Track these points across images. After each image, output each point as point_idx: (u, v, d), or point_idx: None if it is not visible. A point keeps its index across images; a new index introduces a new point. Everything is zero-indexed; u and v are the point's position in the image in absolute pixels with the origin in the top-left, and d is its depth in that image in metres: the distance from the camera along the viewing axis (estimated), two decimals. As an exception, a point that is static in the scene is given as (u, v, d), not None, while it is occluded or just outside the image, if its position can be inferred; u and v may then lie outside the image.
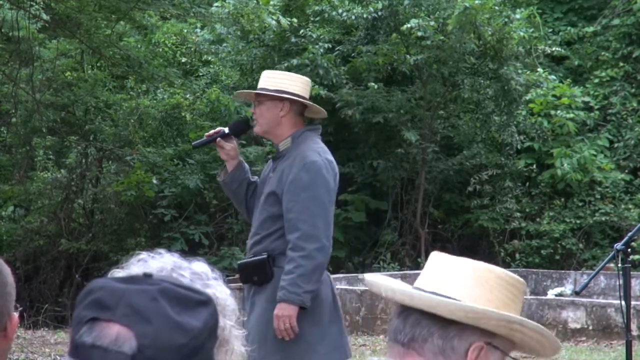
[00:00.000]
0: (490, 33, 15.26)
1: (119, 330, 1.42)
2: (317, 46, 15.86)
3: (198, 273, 1.66)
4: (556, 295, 12.88)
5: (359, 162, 16.58)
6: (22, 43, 12.96)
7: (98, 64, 17.04)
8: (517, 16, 15.53)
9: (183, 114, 15.13)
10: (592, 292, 13.39)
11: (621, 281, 5.05)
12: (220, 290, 1.67)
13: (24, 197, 16.06)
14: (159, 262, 1.65)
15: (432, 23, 15.30)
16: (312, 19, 16.43)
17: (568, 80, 16.69)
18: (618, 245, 5.09)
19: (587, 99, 16.66)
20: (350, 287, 12.20)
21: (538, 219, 16.18)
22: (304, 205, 4.90)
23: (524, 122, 16.50)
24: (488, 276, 1.93)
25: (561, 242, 15.78)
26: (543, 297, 12.11)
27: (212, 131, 5.04)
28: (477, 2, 14.73)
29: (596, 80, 17.11)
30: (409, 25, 15.11)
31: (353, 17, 15.74)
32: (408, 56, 15.58)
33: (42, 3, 11.92)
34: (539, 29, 16.70)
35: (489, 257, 15.72)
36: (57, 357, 9.01)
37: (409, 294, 1.89)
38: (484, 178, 16.25)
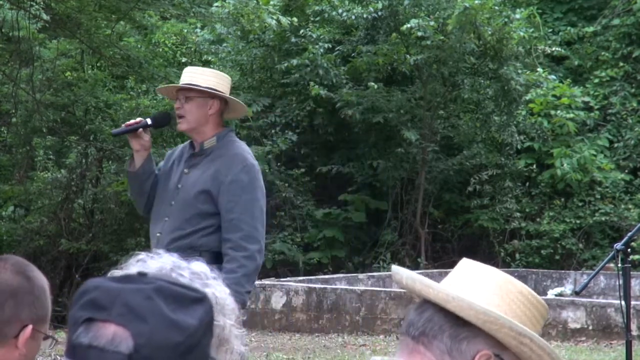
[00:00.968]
0: (490, 33, 15.26)
1: (115, 330, 1.43)
2: (317, 46, 15.86)
3: (197, 273, 1.67)
4: (556, 295, 12.88)
5: (359, 162, 16.59)
6: (22, 43, 12.97)
7: (98, 64, 17.04)
8: (517, 16, 15.52)
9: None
10: (592, 292, 13.39)
11: (621, 281, 5.05)
12: (219, 290, 1.67)
13: (24, 197, 16.06)
14: (157, 262, 1.65)
15: (432, 23, 15.30)
16: (312, 19, 16.44)
17: (568, 80, 16.69)
18: (618, 245, 5.09)
19: (587, 99, 16.66)
20: (350, 287, 12.20)
21: (538, 219, 16.18)
22: (245, 206, 4.94)
23: (524, 122, 16.50)
24: (510, 289, 1.91)
25: (561, 242, 15.78)
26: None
27: (132, 121, 4.96)
28: (477, 2, 14.73)
29: (596, 80, 17.11)
30: (409, 25, 15.11)
31: (353, 17, 15.75)
32: (408, 56, 15.58)
33: (42, 3, 11.92)
34: (539, 29, 16.70)
35: (489, 257, 15.72)
36: (57, 357, 9.01)
37: (427, 284, 1.88)
38: (484, 178, 16.25)
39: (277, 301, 11.79)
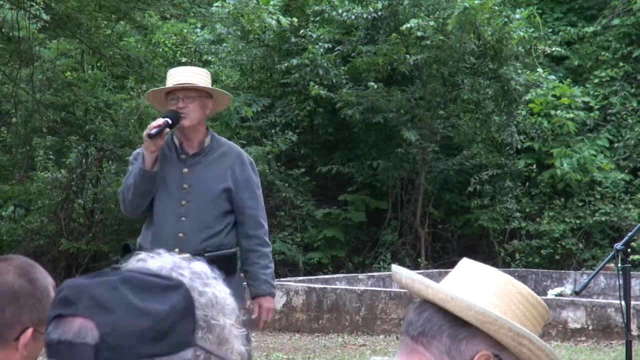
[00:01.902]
0: (490, 33, 15.26)
1: (82, 322, 1.45)
2: (317, 46, 15.86)
3: (197, 272, 1.67)
4: (556, 295, 12.88)
5: (359, 162, 16.59)
6: (22, 43, 12.97)
7: (98, 64, 17.04)
8: (517, 16, 15.52)
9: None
10: (592, 292, 13.39)
11: (621, 281, 5.05)
12: (219, 290, 1.67)
13: (24, 197, 16.06)
14: (158, 262, 1.65)
15: (432, 23, 15.30)
16: (312, 19, 16.44)
17: (568, 80, 16.69)
18: (618, 245, 5.09)
19: (587, 99, 16.65)
20: (350, 287, 12.20)
21: (538, 219, 16.18)
22: (261, 203, 5.16)
23: (524, 122, 16.50)
24: (509, 289, 1.91)
25: (561, 242, 15.78)
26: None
27: (160, 122, 4.95)
28: (477, 2, 14.73)
29: (596, 80, 17.11)
30: (408, 25, 15.11)
31: (353, 17, 15.75)
32: (408, 56, 15.58)
33: (42, 3, 11.93)
34: (539, 29, 16.70)
35: (489, 257, 15.72)
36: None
37: (426, 285, 1.88)
38: (484, 178, 16.25)
39: (277, 301, 11.79)
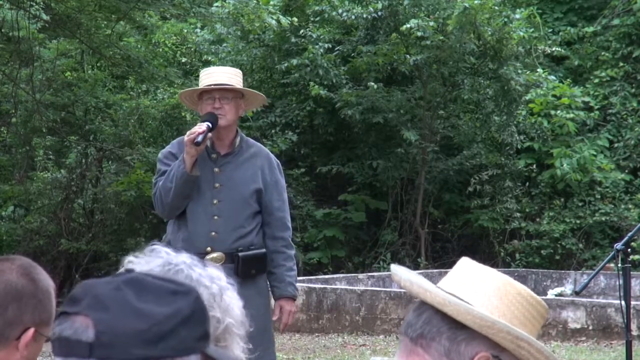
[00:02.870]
0: (490, 33, 15.25)
1: (81, 320, 1.47)
2: (317, 46, 15.86)
3: (217, 284, 1.70)
4: (556, 295, 12.87)
5: (359, 162, 16.58)
6: (22, 43, 12.96)
7: (98, 64, 17.04)
8: (517, 16, 15.52)
9: (183, 114, 15.12)
10: (592, 292, 13.39)
11: (621, 281, 5.05)
12: (231, 296, 1.69)
13: (24, 197, 16.05)
14: (157, 261, 1.67)
15: (431, 23, 15.30)
16: (312, 19, 16.44)
17: (568, 80, 16.68)
18: (618, 245, 5.09)
19: (587, 99, 16.65)
20: (350, 287, 12.20)
21: (538, 219, 16.18)
22: (287, 206, 5.24)
23: (524, 122, 16.50)
24: (508, 290, 1.92)
25: (561, 242, 15.78)
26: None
27: (203, 128, 4.98)
28: (477, 2, 14.73)
29: (596, 80, 17.11)
30: (408, 25, 15.11)
31: (353, 17, 15.74)
32: (408, 56, 15.58)
33: (42, 3, 11.92)
34: (539, 29, 16.70)
35: (489, 257, 15.72)
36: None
37: (424, 288, 1.88)
38: (484, 178, 16.24)
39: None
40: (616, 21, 17.40)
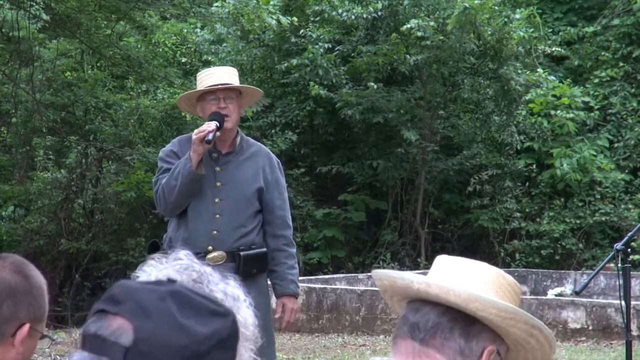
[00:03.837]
0: (490, 33, 15.26)
1: (121, 322, 1.46)
2: (317, 46, 15.86)
3: (232, 296, 1.72)
4: (556, 295, 12.87)
5: (359, 162, 16.58)
6: (22, 43, 12.96)
7: (98, 64, 17.04)
8: (517, 16, 15.52)
9: (183, 114, 15.11)
10: (592, 292, 13.39)
11: (621, 281, 5.05)
12: (245, 315, 1.71)
13: (24, 197, 16.05)
14: (179, 264, 1.69)
15: (432, 23, 15.30)
16: (312, 19, 16.44)
17: (568, 80, 16.69)
18: (618, 245, 5.09)
19: (587, 99, 16.65)
20: (350, 287, 12.20)
21: (538, 219, 16.18)
22: (287, 204, 5.25)
23: (524, 122, 16.50)
24: (502, 282, 1.98)
25: (561, 242, 15.78)
26: (543, 297, 12.11)
27: (212, 127, 4.99)
28: (476, 2, 14.73)
29: (596, 80, 17.11)
30: (408, 25, 15.11)
31: (353, 17, 15.74)
32: (408, 56, 15.58)
33: (42, 3, 11.92)
34: (539, 29, 16.70)
35: (489, 257, 15.72)
36: (57, 357, 9.01)
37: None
38: (484, 178, 16.24)
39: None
40: (616, 21, 17.40)
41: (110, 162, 16.78)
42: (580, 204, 16.05)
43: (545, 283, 14.27)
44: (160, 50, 16.81)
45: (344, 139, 17.04)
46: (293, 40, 16.15)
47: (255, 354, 1.73)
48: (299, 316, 11.60)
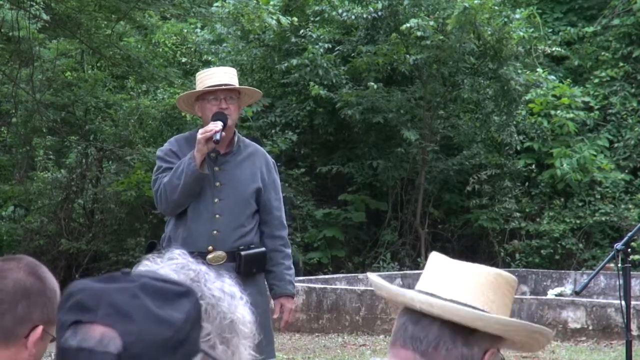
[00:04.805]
0: (490, 33, 15.25)
1: (103, 330, 1.43)
2: (317, 46, 15.86)
3: (229, 294, 1.71)
4: (556, 295, 12.87)
5: (359, 162, 16.58)
6: (22, 43, 12.97)
7: (98, 64, 17.04)
8: (517, 16, 15.52)
9: (183, 114, 15.11)
10: (592, 292, 13.39)
11: (621, 281, 5.06)
12: (242, 312, 1.70)
13: (24, 197, 16.06)
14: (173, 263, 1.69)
15: (431, 23, 15.30)
16: (312, 19, 16.44)
17: (568, 80, 16.69)
18: (618, 245, 5.09)
19: (587, 99, 16.65)
20: (350, 287, 12.20)
21: (538, 219, 16.18)
22: (282, 205, 5.27)
23: (523, 122, 16.50)
24: (500, 282, 2.00)
25: (561, 242, 15.78)
26: (543, 297, 12.11)
27: (218, 126, 4.99)
28: (476, 2, 14.73)
29: (596, 80, 17.11)
30: (408, 25, 15.11)
31: (353, 17, 15.74)
32: (408, 56, 15.58)
33: (42, 3, 11.92)
34: (539, 29, 16.70)
35: (489, 257, 15.72)
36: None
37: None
38: (484, 178, 16.24)
39: (277, 301, 11.78)
40: (616, 21, 17.40)
41: (110, 162, 16.78)
42: (580, 204, 16.05)
43: (545, 283, 14.27)
44: (160, 50, 16.82)
45: (344, 139, 17.04)
46: (293, 40, 16.15)
47: (254, 351, 1.73)
48: (298, 316, 11.61)
